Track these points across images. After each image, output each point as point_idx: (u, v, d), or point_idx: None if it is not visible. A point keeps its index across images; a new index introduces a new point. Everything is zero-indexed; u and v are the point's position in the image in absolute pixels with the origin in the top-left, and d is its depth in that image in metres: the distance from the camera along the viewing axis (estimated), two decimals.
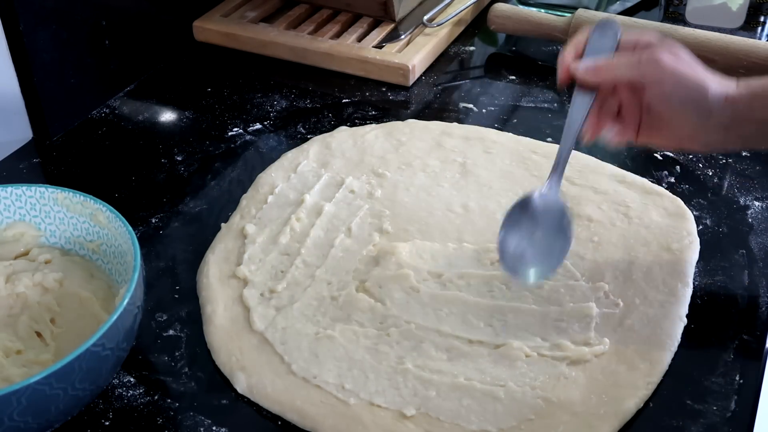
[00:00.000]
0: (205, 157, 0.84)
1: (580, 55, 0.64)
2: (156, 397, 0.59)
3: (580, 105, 0.63)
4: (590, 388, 0.59)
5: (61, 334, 0.60)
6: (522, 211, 0.64)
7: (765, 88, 0.60)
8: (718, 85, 0.60)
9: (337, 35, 1.01)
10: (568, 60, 0.63)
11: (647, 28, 0.93)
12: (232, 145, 0.86)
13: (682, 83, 0.60)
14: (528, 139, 0.83)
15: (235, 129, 0.88)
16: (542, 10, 1.06)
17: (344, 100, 0.93)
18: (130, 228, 0.61)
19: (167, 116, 0.91)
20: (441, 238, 0.72)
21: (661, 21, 1.01)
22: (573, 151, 0.81)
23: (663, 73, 0.60)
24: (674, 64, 0.60)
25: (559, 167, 0.64)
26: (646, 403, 0.58)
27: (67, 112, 0.88)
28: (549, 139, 0.85)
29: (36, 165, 0.84)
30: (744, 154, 0.83)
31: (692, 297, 0.66)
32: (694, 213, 0.74)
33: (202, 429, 0.57)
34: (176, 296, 0.68)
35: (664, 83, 0.60)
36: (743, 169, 0.81)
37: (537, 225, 0.64)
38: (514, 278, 0.65)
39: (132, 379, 0.61)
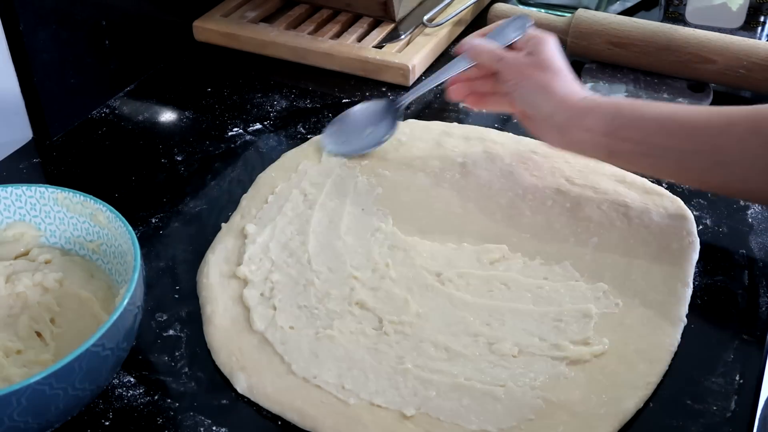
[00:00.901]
0: (205, 157, 0.84)
1: (483, 35, 0.79)
2: (156, 397, 0.59)
3: (455, 65, 0.78)
4: (590, 388, 0.59)
5: (61, 334, 0.60)
6: (357, 111, 0.83)
7: (603, 102, 0.70)
8: (559, 90, 0.71)
9: (337, 35, 1.01)
10: (472, 36, 0.79)
11: (648, 28, 0.93)
12: (232, 145, 0.86)
13: (522, 83, 0.72)
14: (528, 139, 0.83)
15: (235, 129, 0.88)
16: (542, 10, 1.06)
17: (344, 100, 0.93)
18: (130, 228, 0.61)
19: (167, 116, 0.91)
20: (441, 237, 0.72)
21: (661, 21, 1.01)
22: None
23: (510, 72, 0.73)
24: (522, 66, 0.73)
25: (409, 94, 0.82)
26: (646, 403, 0.58)
27: (67, 112, 0.88)
28: None
29: (36, 165, 0.84)
30: None
31: (692, 297, 0.66)
32: (694, 213, 0.74)
33: (202, 429, 0.57)
34: (176, 296, 0.68)
35: (509, 82, 0.73)
36: None
37: (370, 120, 0.82)
38: (328, 151, 0.80)
39: (132, 379, 0.61)
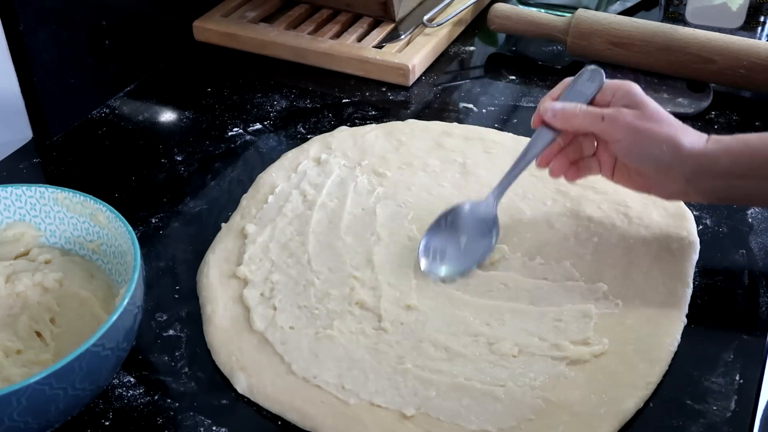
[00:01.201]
0: (205, 157, 0.84)
1: (557, 98, 0.69)
2: (156, 397, 0.59)
3: (540, 139, 0.68)
4: (590, 388, 0.59)
5: (61, 334, 0.60)
6: (452, 217, 0.70)
7: (732, 142, 0.64)
8: (683, 140, 0.64)
9: (337, 35, 1.01)
10: (546, 101, 0.68)
11: (648, 28, 0.93)
12: (232, 145, 0.86)
13: (639, 140, 0.64)
14: (528, 138, 0.83)
15: (235, 129, 0.88)
16: (542, 10, 1.06)
17: (344, 100, 0.93)
18: (130, 228, 0.61)
19: (167, 116, 0.91)
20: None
21: (661, 21, 1.01)
22: None
23: (620, 130, 0.64)
24: (634, 121, 0.64)
25: (502, 185, 0.70)
26: (646, 403, 0.58)
27: (67, 112, 0.88)
28: None
29: (36, 165, 0.84)
30: None
31: (692, 297, 0.66)
32: (694, 213, 0.74)
33: (202, 429, 0.57)
34: (176, 296, 0.68)
35: (621, 140, 0.65)
36: None
37: (463, 230, 0.69)
38: (426, 272, 0.68)
39: (132, 379, 0.61)
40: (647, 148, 0.64)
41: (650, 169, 0.65)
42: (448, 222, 0.70)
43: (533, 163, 0.69)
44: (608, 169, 0.68)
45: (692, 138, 0.64)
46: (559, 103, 0.67)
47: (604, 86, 0.68)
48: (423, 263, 0.68)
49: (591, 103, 0.68)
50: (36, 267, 0.64)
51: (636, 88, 0.66)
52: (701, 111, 0.89)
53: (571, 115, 0.66)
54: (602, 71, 0.68)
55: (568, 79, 0.69)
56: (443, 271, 0.67)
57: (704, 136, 0.65)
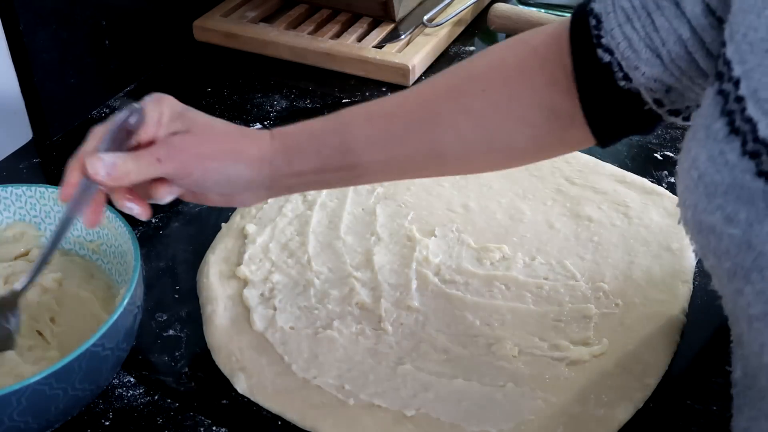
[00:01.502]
0: None
1: (93, 150, 0.56)
2: (156, 397, 0.59)
3: (84, 194, 0.55)
4: (589, 388, 0.59)
5: (61, 333, 0.60)
6: None
7: (297, 141, 0.58)
8: (251, 152, 0.58)
9: (337, 35, 1.01)
10: (88, 158, 0.54)
11: None
12: None
13: (208, 171, 0.56)
14: None
15: None
16: (542, 10, 1.06)
17: (344, 100, 0.93)
18: (130, 228, 0.61)
19: None
20: (441, 237, 0.72)
21: None
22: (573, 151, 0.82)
23: (184, 168, 0.55)
24: (194, 153, 0.56)
25: (35, 268, 0.56)
26: (646, 404, 0.58)
27: (67, 112, 0.88)
28: None
29: (36, 165, 0.84)
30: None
31: (692, 297, 0.66)
32: None
33: (202, 429, 0.57)
34: (176, 296, 0.68)
35: (191, 175, 0.56)
36: None
37: None
38: None
39: (132, 379, 0.61)
40: (220, 174, 0.57)
41: (230, 189, 0.58)
42: None
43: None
44: (177, 193, 0.58)
45: (258, 144, 0.58)
46: (108, 157, 0.54)
47: (146, 113, 0.57)
48: None
49: (138, 144, 0.56)
50: None
51: (173, 101, 0.59)
52: None
53: (123, 172, 0.54)
54: (139, 105, 0.58)
55: (99, 128, 0.58)
56: None
57: (266, 134, 0.59)
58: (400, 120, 0.58)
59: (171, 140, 0.56)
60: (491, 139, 0.58)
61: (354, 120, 0.59)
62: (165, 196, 0.57)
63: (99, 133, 0.58)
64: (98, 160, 0.54)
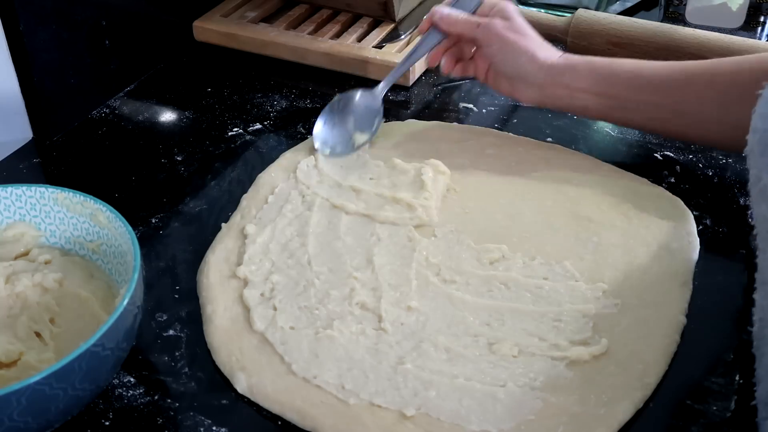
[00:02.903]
0: (205, 157, 0.84)
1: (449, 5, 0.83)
2: (156, 397, 0.59)
3: (430, 39, 0.83)
4: (589, 388, 0.59)
5: (61, 334, 0.60)
6: (343, 103, 0.83)
7: (579, 61, 0.77)
8: (539, 53, 0.78)
9: (337, 35, 1.01)
10: (437, 7, 0.82)
11: (648, 28, 0.93)
12: (232, 145, 0.86)
13: (505, 47, 0.78)
14: (528, 138, 0.84)
15: (235, 129, 0.88)
16: (542, 10, 1.06)
17: None
18: (130, 228, 0.61)
19: (167, 116, 0.91)
20: (440, 237, 0.72)
21: (661, 21, 1.01)
22: (573, 151, 0.82)
23: (491, 38, 0.78)
24: (503, 31, 0.78)
25: (390, 77, 0.84)
26: (646, 403, 0.58)
27: (67, 112, 0.88)
28: (549, 139, 0.85)
29: (36, 165, 0.84)
30: (744, 154, 0.83)
31: (692, 297, 0.66)
32: (694, 213, 0.74)
33: (202, 429, 0.57)
34: (176, 296, 0.68)
35: (491, 45, 0.79)
36: (743, 169, 0.81)
37: (351, 115, 0.83)
38: (318, 150, 0.81)
39: (132, 379, 0.61)
40: (510, 56, 0.78)
41: (512, 74, 0.79)
42: (339, 106, 0.83)
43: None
44: (482, 71, 0.82)
45: (547, 53, 0.78)
46: (446, 9, 0.82)
47: (484, 2, 0.83)
48: (317, 143, 0.81)
49: (474, 13, 0.82)
50: (36, 267, 0.64)
51: (510, 5, 0.81)
52: None
53: (454, 20, 0.81)
54: None
55: None
56: (328, 151, 0.80)
57: (559, 53, 0.78)
58: (661, 75, 0.75)
59: (492, 20, 0.79)
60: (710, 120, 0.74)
61: (624, 64, 0.77)
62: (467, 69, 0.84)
63: None
64: (439, 10, 0.82)
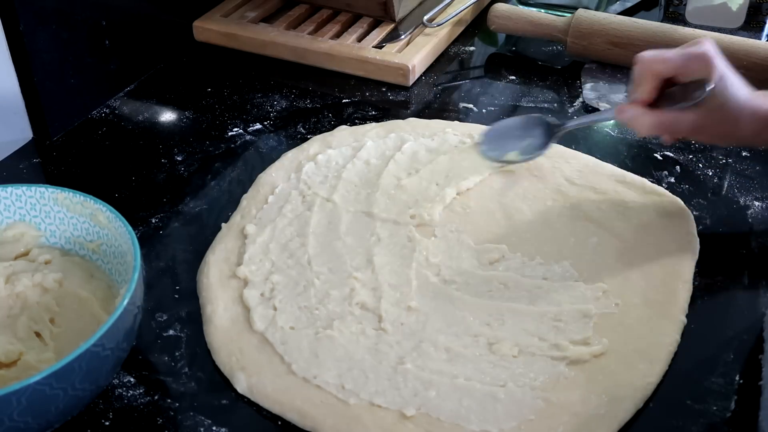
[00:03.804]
0: (205, 157, 0.84)
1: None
2: (156, 397, 0.59)
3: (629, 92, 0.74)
4: (590, 388, 0.59)
5: (61, 334, 0.60)
6: (526, 122, 0.80)
7: None
8: (752, 103, 0.68)
9: (337, 35, 1.01)
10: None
11: (648, 28, 0.93)
12: (232, 145, 0.86)
13: (726, 76, 0.67)
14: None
15: (235, 129, 0.88)
16: (542, 10, 1.06)
17: (344, 100, 0.93)
18: (130, 228, 0.61)
19: (167, 116, 0.91)
20: (440, 237, 0.72)
21: (661, 21, 1.01)
22: (573, 151, 0.82)
23: (707, 67, 0.67)
24: (717, 60, 0.67)
25: (581, 120, 0.81)
26: (646, 404, 0.58)
27: (67, 112, 0.88)
28: None
29: (36, 165, 0.84)
30: (744, 154, 0.83)
31: (692, 297, 0.66)
32: (694, 213, 0.74)
33: (202, 429, 0.57)
34: (176, 296, 0.68)
35: (719, 76, 0.67)
36: (743, 169, 0.81)
37: (527, 133, 0.80)
38: (483, 154, 0.79)
39: (132, 379, 0.61)
40: (730, 87, 0.67)
41: (722, 114, 0.68)
42: (527, 123, 0.80)
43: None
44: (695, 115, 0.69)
45: (756, 97, 0.69)
46: (633, 110, 0.70)
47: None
48: (483, 148, 0.79)
49: None
50: (36, 267, 0.64)
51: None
52: None
53: (636, 124, 0.70)
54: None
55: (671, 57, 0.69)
56: (498, 154, 0.78)
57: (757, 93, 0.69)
58: None
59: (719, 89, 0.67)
60: None
61: None
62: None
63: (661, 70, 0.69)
64: (627, 108, 0.71)
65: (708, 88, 0.67)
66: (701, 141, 0.80)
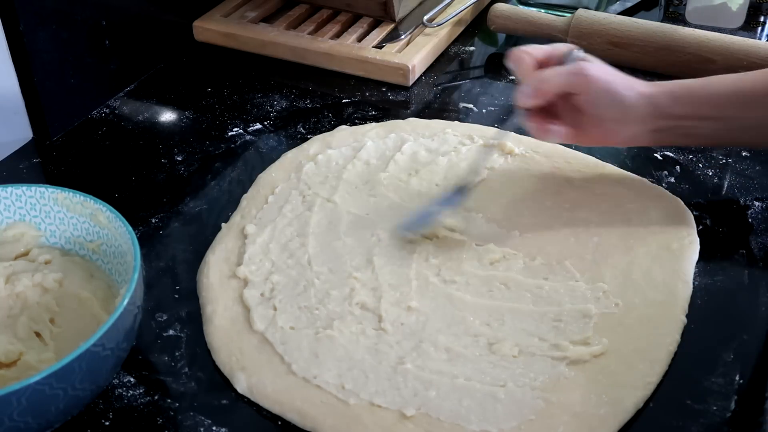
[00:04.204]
0: (205, 157, 0.84)
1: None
2: (156, 397, 0.59)
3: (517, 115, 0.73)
4: (590, 388, 0.59)
5: (61, 334, 0.60)
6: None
7: (674, 86, 0.71)
8: (636, 86, 0.71)
9: (337, 35, 1.01)
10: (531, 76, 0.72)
11: (649, 28, 0.93)
12: (232, 145, 0.86)
13: (604, 87, 0.70)
14: (528, 138, 0.83)
15: (235, 129, 0.88)
16: (542, 10, 1.06)
17: (344, 100, 0.93)
18: (130, 228, 0.61)
19: (167, 116, 0.91)
20: (441, 237, 0.72)
21: (661, 21, 1.01)
22: (573, 151, 0.82)
23: (589, 83, 0.70)
24: (597, 73, 0.70)
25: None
26: (646, 403, 0.58)
27: (67, 112, 0.88)
28: None
29: (36, 165, 0.84)
30: (744, 154, 0.83)
31: (692, 297, 0.66)
32: (694, 213, 0.74)
33: (202, 429, 0.57)
34: (176, 296, 0.68)
35: (590, 91, 0.70)
36: (743, 169, 0.81)
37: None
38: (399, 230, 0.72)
39: (132, 379, 0.61)
40: (613, 95, 0.70)
41: (612, 115, 0.71)
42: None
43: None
44: (570, 126, 0.72)
45: (642, 84, 0.71)
46: (523, 87, 0.72)
47: (537, 53, 0.74)
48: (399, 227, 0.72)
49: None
50: (36, 267, 0.64)
51: (572, 46, 0.74)
52: None
53: (542, 84, 0.71)
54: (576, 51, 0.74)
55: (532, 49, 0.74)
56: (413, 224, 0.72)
57: (649, 83, 0.72)
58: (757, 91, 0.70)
59: (580, 63, 0.71)
60: None
61: (720, 81, 0.71)
62: (555, 132, 0.72)
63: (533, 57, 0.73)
64: (534, 75, 0.71)
65: (575, 52, 0.72)
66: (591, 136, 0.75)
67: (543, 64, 0.73)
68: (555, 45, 0.75)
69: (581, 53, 0.73)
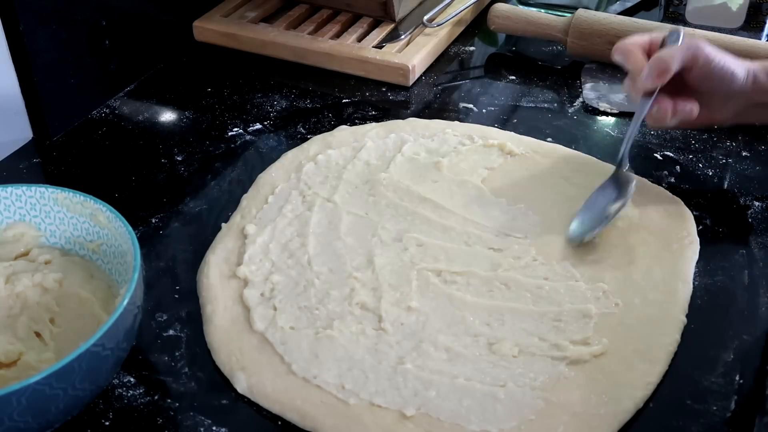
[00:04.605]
0: (205, 157, 0.84)
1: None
2: (156, 397, 0.59)
3: (644, 103, 0.74)
4: (590, 388, 0.59)
5: (61, 334, 0.60)
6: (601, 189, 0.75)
7: None
8: (743, 63, 0.73)
9: (337, 35, 1.01)
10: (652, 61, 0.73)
11: (648, 27, 0.93)
12: (232, 145, 0.86)
13: (720, 61, 0.72)
14: (528, 138, 0.84)
15: (235, 129, 0.88)
16: (542, 10, 1.06)
17: (344, 100, 0.93)
18: (130, 228, 0.61)
19: (167, 116, 0.91)
20: (441, 237, 0.72)
21: (661, 21, 1.01)
22: (573, 151, 0.82)
23: (707, 55, 0.72)
24: (710, 47, 0.72)
25: (625, 147, 0.76)
26: (646, 403, 0.58)
27: (67, 112, 0.88)
28: (549, 139, 0.85)
29: (36, 165, 0.84)
30: (744, 154, 0.83)
31: (692, 297, 0.66)
32: (694, 213, 0.74)
33: (202, 429, 0.57)
34: (176, 296, 0.68)
35: (707, 63, 0.72)
36: (743, 169, 0.81)
37: (603, 196, 0.74)
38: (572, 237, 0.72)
39: (132, 379, 0.61)
40: (724, 69, 0.72)
41: (726, 87, 0.73)
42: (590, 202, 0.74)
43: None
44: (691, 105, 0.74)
45: (742, 59, 0.74)
46: (652, 58, 0.73)
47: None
48: (573, 232, 0.72)
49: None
50: (36, 267, 0.64)
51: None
52: None
53: (665, 63, 0.72)
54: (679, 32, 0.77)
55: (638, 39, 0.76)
56: (572, 232, 0.72)
57: (745, 60, 0.74)
58: None
59: (692, 39, 0.74)
60: None
61: None
62: (688, 110, 0.73)
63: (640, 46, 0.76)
64: (652, 61, 0.73)
65: (675, 34, 0.76)
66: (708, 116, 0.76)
67: (647, 51, 0.75)
68: (652, 33, 0.77)
69: (682, 33, 0.76)
